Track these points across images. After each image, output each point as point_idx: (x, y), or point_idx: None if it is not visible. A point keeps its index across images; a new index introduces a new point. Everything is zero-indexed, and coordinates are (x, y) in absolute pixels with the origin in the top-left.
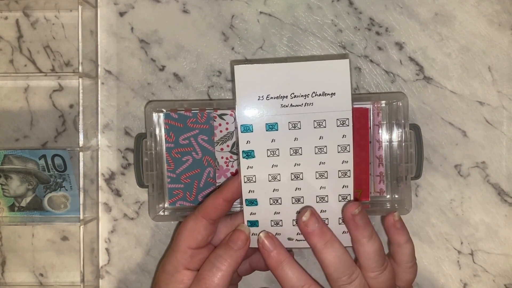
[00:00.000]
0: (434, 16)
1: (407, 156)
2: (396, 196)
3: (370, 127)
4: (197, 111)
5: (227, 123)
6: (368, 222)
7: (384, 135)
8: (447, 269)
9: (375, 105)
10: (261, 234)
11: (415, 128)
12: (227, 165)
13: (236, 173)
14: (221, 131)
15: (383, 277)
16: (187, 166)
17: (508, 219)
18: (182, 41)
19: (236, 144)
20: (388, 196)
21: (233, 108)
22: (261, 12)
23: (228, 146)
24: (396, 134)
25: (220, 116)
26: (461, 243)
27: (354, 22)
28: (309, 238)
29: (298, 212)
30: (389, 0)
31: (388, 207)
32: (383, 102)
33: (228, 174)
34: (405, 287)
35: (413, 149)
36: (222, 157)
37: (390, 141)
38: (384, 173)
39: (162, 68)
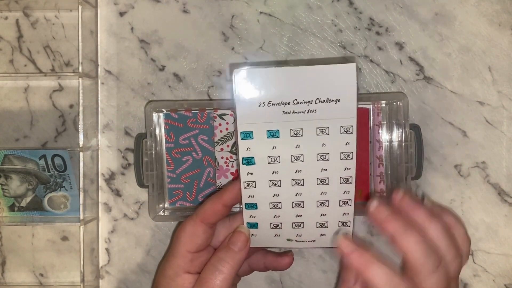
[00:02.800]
0: (434, 16)
1: (407, 156)
2: None
3: (370, 127)
4: (197, 111)
5: (227, 123)
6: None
7: (384, 135)
8: None
9: (375, 105)
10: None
11: (415, 128)
12: (227, 165)
13: (236, 174)
14: (221, 131)
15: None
16: (187, 166)
17: (508, 219)
18: (182, 41)
19: (235, 146)
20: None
21: (233, 108)
22: (261, 12)
23: (228, 146)
24: (396, 134)
25: (220, 116)
26: None
27: (354, 22)
28: (384, 227)
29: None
30: (389, 0)
31: None
32: (383, 102)
33: (228, 174)
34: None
35: (413, 149)
36: (222, 157)
37: (390, 141)
38: (384, 173)
39: (162, 68)
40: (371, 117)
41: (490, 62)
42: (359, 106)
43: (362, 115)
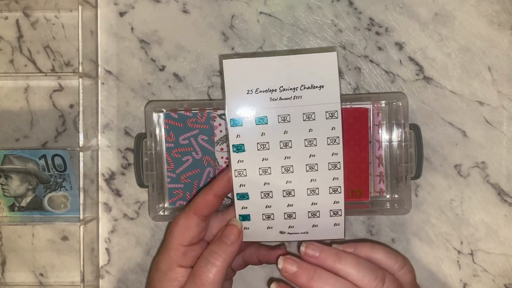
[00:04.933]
0: (434, 16)
1: (407, 156)
2: (396, 196)
3: (370, 127)
4: (197, 111)
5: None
6: (327, 248)
7: (384, 135)
8: (447, 269)
9: (375, 105)
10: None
11: (415, 128)
12: (227, 165)
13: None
14: (221, 131)
15: None
16: (187, 166)
17: (508, 219)
18: (182, 41)
19: (226, 138)
20: (388, 196)
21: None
22: (261, 12)
23: (228, 146)
24: (396, 134)
25: (220, 116)
26: (461, 243)
27: (354, 22)
28: (294, 281)
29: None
30: (389, 0)
31: (388, 207)
32: (383, 102)
33: None
34: None
35: (413, 149)
36: (222, 157)
37: (390, 141)
38: (384, 173)
39: (162, 68)
40: (371, 117)
41: (490, 62)
42: (359, 106)
43: (362, 115)
